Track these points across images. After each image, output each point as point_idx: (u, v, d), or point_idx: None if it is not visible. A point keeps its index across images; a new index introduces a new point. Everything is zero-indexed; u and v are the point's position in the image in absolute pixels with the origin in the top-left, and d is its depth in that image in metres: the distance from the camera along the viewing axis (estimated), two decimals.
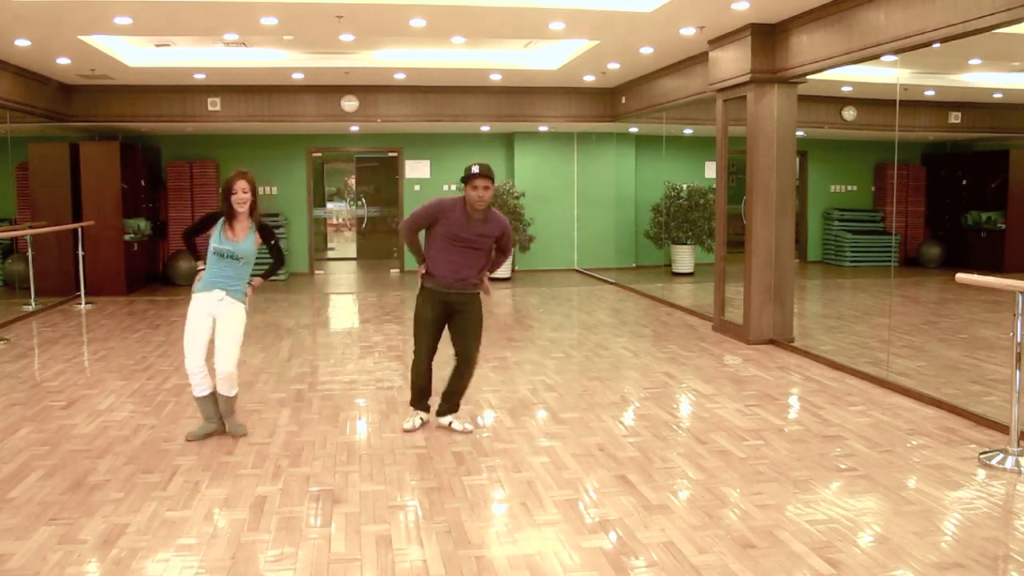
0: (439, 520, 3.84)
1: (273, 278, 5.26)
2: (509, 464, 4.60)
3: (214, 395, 5.04)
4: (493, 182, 4.97)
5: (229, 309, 4.93)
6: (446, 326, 5.19)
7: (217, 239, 4.88)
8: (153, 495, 4.13)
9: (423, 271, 5.12)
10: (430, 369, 5.23)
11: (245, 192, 4.84)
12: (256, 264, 5.07)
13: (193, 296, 4.97)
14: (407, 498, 4.12)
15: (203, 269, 5.00)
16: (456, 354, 5.22)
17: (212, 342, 4.96)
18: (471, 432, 5.20)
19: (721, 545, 3.56)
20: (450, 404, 5.27)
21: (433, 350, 5.20)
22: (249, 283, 5.05)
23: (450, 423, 5.24)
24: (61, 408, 5.73)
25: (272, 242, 5.09)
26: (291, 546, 3.57)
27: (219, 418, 5.08)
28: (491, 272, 5.24)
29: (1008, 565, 3.39)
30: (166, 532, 3.70)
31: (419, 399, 5.30)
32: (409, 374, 5.32)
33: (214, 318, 4.93)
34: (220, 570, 3.35)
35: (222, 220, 4.89)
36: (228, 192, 4.83)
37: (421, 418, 5.29)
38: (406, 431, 5.20)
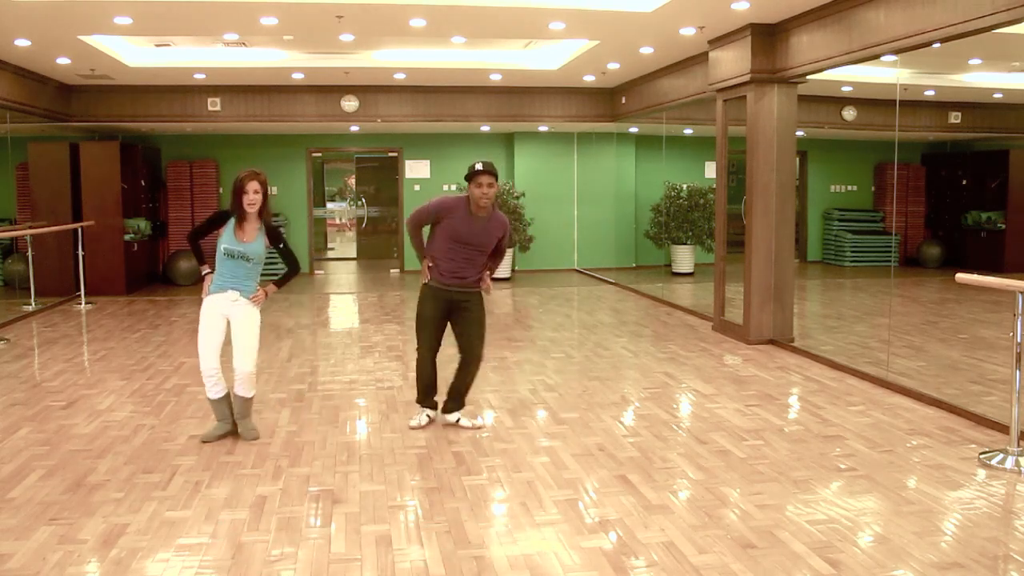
0: (439, 520, 3.84)
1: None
2: (509, 464, 4.60)
3: (228, 397, 5.01)
4: (497, 179, 4.98)
5: (243, 310, 4.89)
6: (448, 324, 5.19)
7: (228, 240, 4.81)
8: (153, 495, 4.13)
9: (428, 264, 5.10)
10: (434, 366, 5.23)
11: (257, 193, 4.75)
12: (268, 268, 5.02)
13: (205, 299, 4.91)
14: (407, 498, 4.12)
15: (209, 273, 4.94)
16: (460, 351, 5.23)
17: (226, 344, 4.93)
18: (481, 427, 5.22)
19: (721, 545, 3.56)
20: (456, 402, 5.28)
21: (436, 347, 5.20)
22: (263, 287, 4.98)
23: (457, 420, 5.26)
24: (61, 408, 5.73)
25: (281, 246, 4.99)
26: (291, 546, 3.57)
27: (232, 420, 5.05)
28: (491, 273, 5.24)
29: (1008, 565, 3.39)
30: (166, 532, 3.70)
31: (425, 396, 5.30)
32: (413, 373, 5.32)
33: (228, 319, 4.90)
34: (220, 570, 3.35)
35: (232, 220, 4.82)
36: (239, 192, 4.74)
37: (428, 415, 5.30)
38: (412, 428, 5.21)
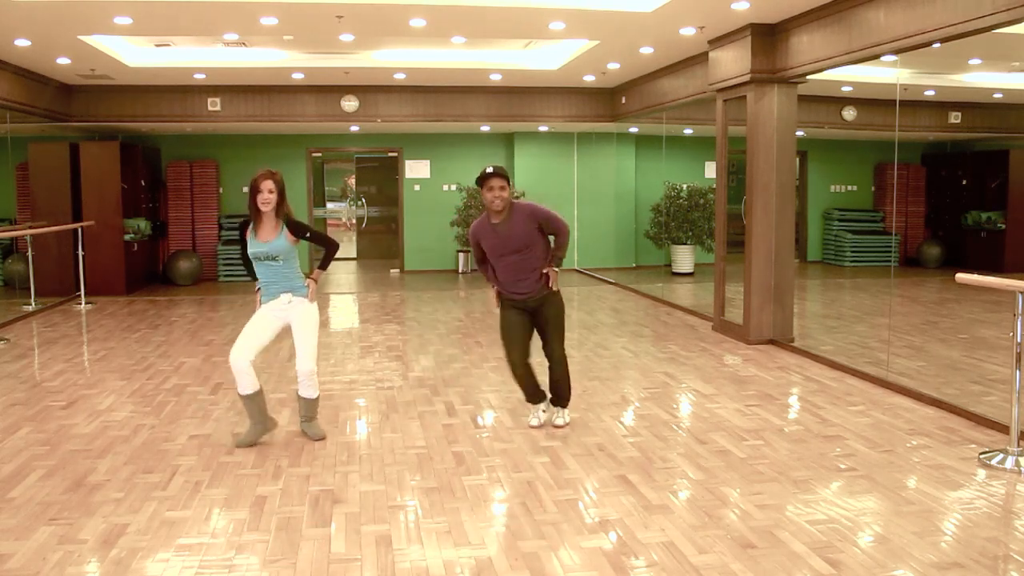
0: (439, 520, 3.84)
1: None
2: (509, 464, 4.60)
3: (258, 395, 4.89)
4: (509, 182, 4.98)
5: (301, 309, 4.87)
6: (535, 329, 5.22)
7: (251, 244, 4.81)
8: (153, 495, 4.13)
9: (493, 287, 5.20)
10: (528, 368, 5.22)
11: (271, 192, 4.73)
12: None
13: (265, 302, 4.89)
14: (407, 498, 4.12)
15: (259, 289, 4.92)
16: (546, 356, 5.24)
17: (263, 347, 4.92)
18: (566, 426, 5.26)
19: (721, 545, 3.56)
20: (558, 399, 5.34)
21: (525, 352, 5.18)
22: (310, 277, 4.94)
23: (552, 417, 5.34)
24: (61, 408, 5.73)
25: (308, 235, 4.92)
26: (291, 546, 3.57)
27: (267, 417, 4.97)
28: (556, 262, 5.10)
29: (1008, 565, 3.39)
30: (166, 532, 3.70)
31: (533, 395, 5.33)
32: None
33: (285, 322, 4.88)
34: (220, 570, 3.35)
35: (251, 224, 4.82)
36: (254, 191, 4.73)
37: (543, 410, 5.35)
38: (532, 427, 5.25)
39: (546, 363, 5.24)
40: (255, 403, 4.88)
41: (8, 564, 3.38)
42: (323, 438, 5.02)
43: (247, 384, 4.81)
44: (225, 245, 13.09)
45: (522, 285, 5.04)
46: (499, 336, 5.34)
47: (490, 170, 4.92)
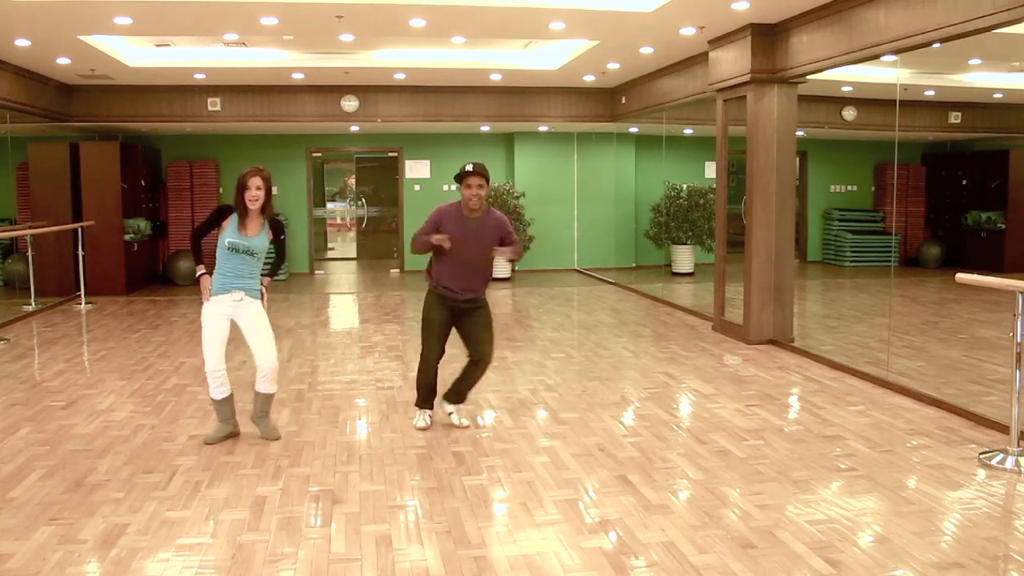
0: (439, 520, 3.84)
1: (276, 278, 5.15)
2: (509, 464, 4.60)
3: (232, 398, 4.98)
4: (488, 181, 4.98)
5: (250, 308, 4.87)
6: (454, 327, 5.20)
7: (232, 234, 4.77)
8: (153, 495, 4.13)
9: (439, 242, 4.95)
10: (436, 371, 5.24)
11: (259, 189, 4.72)
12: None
13: (207, 302, 4.86)
14: (407, 498, 4.12)
15: (205, 274, 4.88)
16: (470, 353, 5.23)
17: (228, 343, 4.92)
18: (467, 428, 5.23)
19: (721, 545, 3.56)
20: (458, 395, 5.31)
21: (441, 352, 5.21)
22: (261, 283, 4.97)
23: (450, 413, 5.30)
24: (61, 408, 5.73)
25: (282, 237, 4.97)
26: (291, 546, 3.57)
27: (235, 420, 5.04)
28: (515, 252, 5.11)
29: (1008, 565, 3.39)
30: (166, 532, 3.70)
31: (426, 399, 5.32)
32: (416, 375, 5.32)
33: (232, 319, 4.87)
34: (220, 570, 3.35)
35: (235, 215, 4.79)
36: (241, 188, 4.72)
37: (430, 415, 5.32)
38: (420, 429, 5.22)
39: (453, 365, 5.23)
40: (228, 406, 4.98)
41: (8, 564, 3.38)
42: (278, 438, 5.01)
43: (223, 390, 4.91)
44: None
45: (469, 285, 5.05)
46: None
47: (470, 168, 4.94)
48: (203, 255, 4.96)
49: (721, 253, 8.51)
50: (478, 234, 5.00)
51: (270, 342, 4.92)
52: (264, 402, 5.03)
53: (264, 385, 4.97)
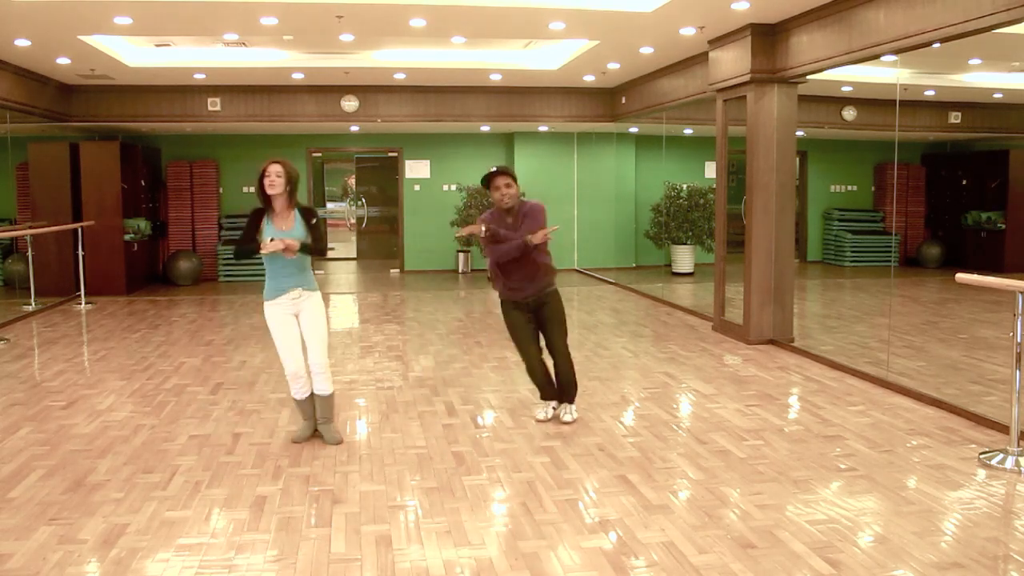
0: (439, 520, 3.84)
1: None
2: (509, 464, 4.60)
3: (312, 397, 4.99)
4: (515, 179, 5.11)
5: (309, 302, 4.89)
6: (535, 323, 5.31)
7: (271, 232, 4.75)
8: (153, 495, 4.13)
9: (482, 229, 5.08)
10: (542, 363, 5.33)
11: (279, 176, 4.69)
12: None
13: (267, 304, 4.85)
14: (407, 498, 4.12)
15: (271, 239, 4.68)
16: (548, 351, 5.32)
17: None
18: (574, 422, 5.33)
19: (721, 545, 3.56)
20: (563, 394, 5.42)
21: (536, 346, 5.30)
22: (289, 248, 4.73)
23: (554, 409, 5.44)
24: (61, 408, 5.73)
25: (314, 221, 4.86)
26: (291, 546, 3.57)
27: (316, 417, 5.03)
28: (538, 240, 5.04)
29: (1008, 565, 3.39)
30: (166, 532, 3.70)
31: (546, 392, 5.44)
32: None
33: (296, 316, 4.89)
34: (220, 570, 3.35)
35: (267, 217, 4.78)
36: (261, 177, 4.70)
37: (553, 407, 5.44)
38: (539, 421, 5.35)
39: (549, 360, 5.34)
40: (311, 404, 5.01)
41: (8, 564, 3.38)
42: (340, 442, 4.96)
43: (306, 390, 4.95)
44: (225, 245, 13.08)
45: (528, 280, 5.14)
46: (506, 336, 5.42)
47: (494, 169, 5.09)
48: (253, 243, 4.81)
49: (721, 253, 8.51)
50: (520, 230, 5.09)
51: (322, 341, 4.92)
52: (325, 407, 4.99)
53: (320, 386, 4.95)
